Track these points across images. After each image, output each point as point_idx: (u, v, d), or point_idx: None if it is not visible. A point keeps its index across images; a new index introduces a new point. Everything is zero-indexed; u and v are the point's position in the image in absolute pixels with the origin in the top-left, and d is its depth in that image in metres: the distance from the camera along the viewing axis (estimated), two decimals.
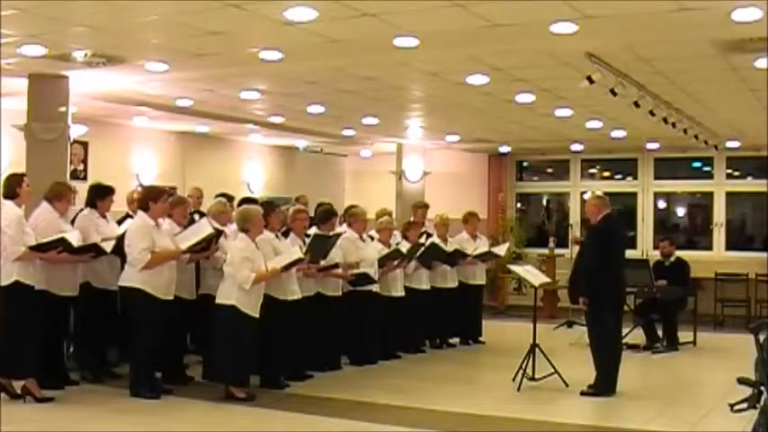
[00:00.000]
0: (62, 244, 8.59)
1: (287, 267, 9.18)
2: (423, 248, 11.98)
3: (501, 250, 13.78)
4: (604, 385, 9.49)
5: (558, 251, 17.73)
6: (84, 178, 14.37)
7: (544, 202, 21.12)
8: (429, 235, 12.72)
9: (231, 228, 9.70)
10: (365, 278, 10.85)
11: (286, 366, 9.65)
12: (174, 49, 9.68)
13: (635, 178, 19.27)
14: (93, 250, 9.00)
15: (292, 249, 9.43)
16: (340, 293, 10.67)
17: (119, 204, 10.24)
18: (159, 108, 13.94)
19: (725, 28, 8.25)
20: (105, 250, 9.13)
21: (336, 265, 10.41)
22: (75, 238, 8.67)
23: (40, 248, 8.52)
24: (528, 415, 8.60)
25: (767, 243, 17.88)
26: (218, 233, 9.44)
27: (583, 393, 9.50)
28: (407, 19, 8.27)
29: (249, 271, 8.72)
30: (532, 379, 9.89)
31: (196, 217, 10.65)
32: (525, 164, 20.87)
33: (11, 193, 8.64)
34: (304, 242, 10.01)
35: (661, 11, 7.80)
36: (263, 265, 8.95)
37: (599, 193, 10.39)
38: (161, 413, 8.37)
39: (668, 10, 7.74)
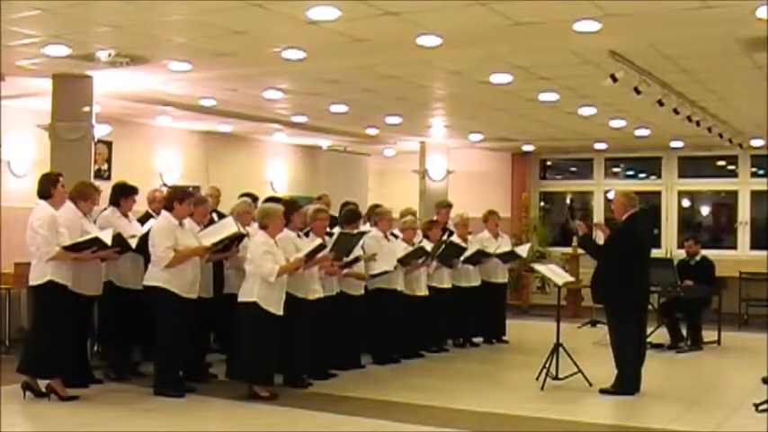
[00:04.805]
0: (96, 243, 8.61)
1: (310, 255, 9.18)
2: (441, 247, 11.95)
3: (523, 251, 13.73)
4: (624, 384, 9.44)
5: (582, 250, 17.65)
6: (109, 178, 14.41)
7: (568, 201, 21.05)
8: (451, 233, 12.70)
9: (254, 227, 9.72)
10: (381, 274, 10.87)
11: (309, 365, 9.67)
12: (198, 49, 9.71)
13: (659, 177, 19.13)
14: (120, 244, 8.97)
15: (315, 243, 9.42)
16: (363, 292, 10.69)
17: (140, 204, 10.27)
18: (183, 108, 13.98)
19: (749, 25, 8.17)
20: (130, 244, 9.15)
21: (357, 259, 10.42)
22: (108, 237, 8.66)
23: (74, 248, 8.56)
24: (552, 414, 8.57)
25: None
26: (242, 236, 9.44)
27: (602, 391, 9.47)
28: (430, 18, 8.26)
29: (272, 263, 8.74)
30: (556, 378, 9.86)
31: (214, 216, 10.61)
32: (549, 163, 20.78)
33: (45, 193, 8.68)
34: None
35: (684, 8, 7.76)
36: (284, 261, 8.93)
37: (627, 190, 10.22)
38: (185, 412, 8.42)
39: (691, 7, 7.69)
